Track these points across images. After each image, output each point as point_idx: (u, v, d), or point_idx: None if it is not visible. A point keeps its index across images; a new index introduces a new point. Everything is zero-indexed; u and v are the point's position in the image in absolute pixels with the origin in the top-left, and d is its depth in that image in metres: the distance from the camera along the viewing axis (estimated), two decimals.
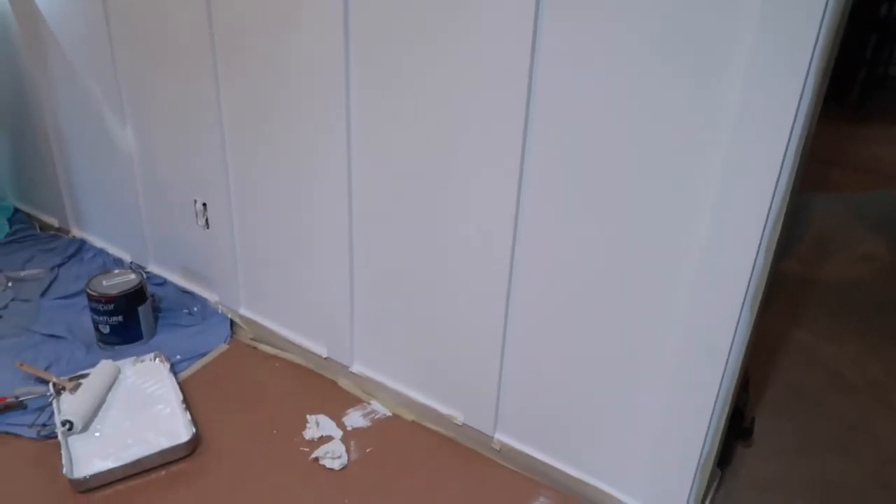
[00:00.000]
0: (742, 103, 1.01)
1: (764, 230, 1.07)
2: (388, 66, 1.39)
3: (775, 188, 1.03)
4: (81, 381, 1.71)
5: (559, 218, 1.28)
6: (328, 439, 1.62)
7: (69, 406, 1.61)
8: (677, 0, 1.03)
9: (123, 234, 2.25)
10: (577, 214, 1.26)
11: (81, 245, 2.38)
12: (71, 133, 2.23)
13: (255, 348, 1.95)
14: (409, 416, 1.70)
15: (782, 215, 1.08)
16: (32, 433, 1.60)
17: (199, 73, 1.72)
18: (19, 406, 1.67)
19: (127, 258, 2.28)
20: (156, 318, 2.00)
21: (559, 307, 1.35)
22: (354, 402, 1.76)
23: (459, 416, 1.61)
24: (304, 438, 1.63)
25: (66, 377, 1.73)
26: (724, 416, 1.29)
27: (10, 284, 2.18)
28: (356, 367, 1.78)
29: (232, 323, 2.01)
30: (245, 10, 1.57)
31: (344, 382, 1.81)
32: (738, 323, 1.15)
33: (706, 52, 1.03)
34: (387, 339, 1.69)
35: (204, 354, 1.90)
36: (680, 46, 1.05)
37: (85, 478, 1.45)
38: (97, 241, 2.38)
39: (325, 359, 1.82)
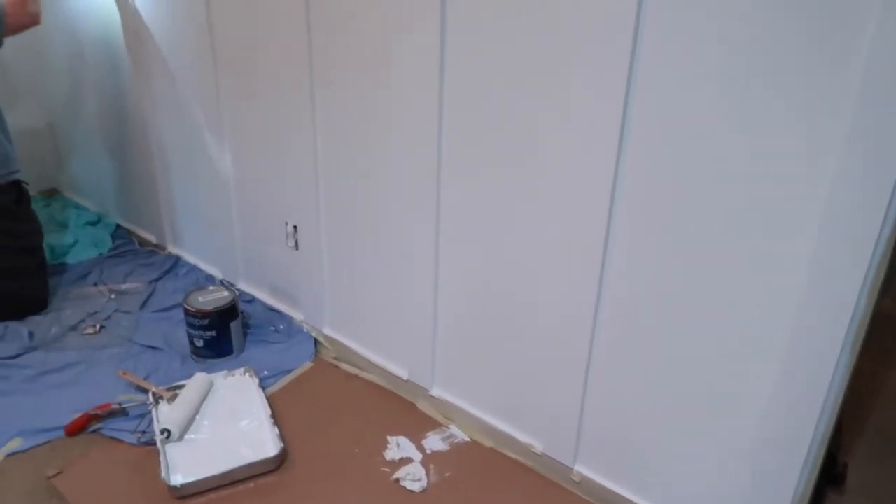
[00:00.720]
0: (851, 133, 1.00)
1: (869, 267, 1.04)
2: (481, 97, 1.43)
3: (882, 223, 1.01)
4: (178, 391, 1.80)
5: (650, 245, 1.28)
6: (408, 461, 1.65)
7: (167, 415, 1.70)
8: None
9: (216, 252, 2.37)
10: (671, 241, 1.26)
11: (177, 261, 2.52)
12: (173, 155, 2.37)
13: (337, 367, 2.01)
14: (487, 443, 1.72)
15: (889, 253, 1.06)
16: (133, 439, 1.70)
17: (297, 104, 1.81)
18: (122, 413, 1.78)
19: (218, 275, 2.40)
20: (245, 334, 2.09)
21: (647, 337, 1.35)
22: (433, 425, 1.78)
23: (538, 446, 1.62)
24: (384, 459, 1.66)
25: (164, 387, 1.83)
26: (818, 460, 1.25)
27: (112, 296, 2.33)
28: (436, 391, 1.81)
29: (316, 341, 2.08)
30: (344, 47, 1.65)
31: (423, 405, 1.84)
32: (837, 363, 1.12)
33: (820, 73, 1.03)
34: (468, 364, 1.72)
35: (290, 371, 1.97)
36: (793, 60, 1.05)
37: (181, 485, 1.53)
38: (191, 258, 2.51)
39: (406, 381, 1.86)
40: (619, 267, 1.34)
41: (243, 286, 2.33)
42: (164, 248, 2.60)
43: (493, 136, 1.44)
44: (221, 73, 2.03)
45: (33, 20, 2.04)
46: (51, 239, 2.56)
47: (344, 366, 2.01)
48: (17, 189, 2.16)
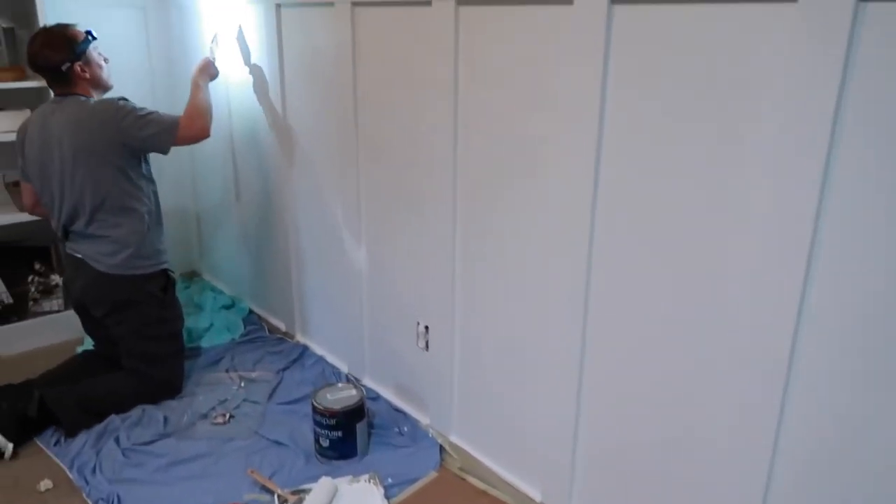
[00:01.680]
0: None
1: None
2: (643, 195, 1.34)
3: None
4: (303, 495, 1.75)
5: (845, 368, 1.11)
6: None
7: None
8: None
9: (344, 345, 2.37)
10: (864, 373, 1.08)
11: (304, 351, 2.54)
12: (308, 247, 2.43)
13: (464, 479, 1.90)
14: None
15: None
16: None
17: (439, 207, 1.80)
18: None
19: (344, 368, 2.38)
20: (369, 434, 2.03)
21: (836, 469, 1.16)
22: None
23: None
24: None
25: (289, 490, 1.79)
26: None
27: (242, 385, 2.35)
28: None
29: (441, 448, 1.98)
30: (491, 154, 1.63)
31: None
32: None
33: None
34: (612, 490, 1.56)
35: (414, 481, 1.88)
36: None
37: None
38: (318, 349, 2.52)
39: (540, 503, 1.72)
40: (808, 389, 1.17)
41: (369, 382, 2.29)
42: (292, 337, 2.63)
43: (658, 236, 1.34)
44: (363, 171, 2.06)
45: (202, 133, 2.18)
46: (188, 322, 2.66)
47: (471, 479, 1.89)
48: (164, 277, 2.26)
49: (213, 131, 2.20)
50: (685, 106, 1.24)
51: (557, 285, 1.55)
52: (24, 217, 2.52)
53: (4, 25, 2.45)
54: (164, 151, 2.15)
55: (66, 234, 2.17)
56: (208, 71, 2.33)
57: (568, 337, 1.54)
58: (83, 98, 2.10)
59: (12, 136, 2.42)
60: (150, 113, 2.10)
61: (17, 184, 2.60)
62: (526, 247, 1.61)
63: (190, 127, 2.14)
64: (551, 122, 1.48)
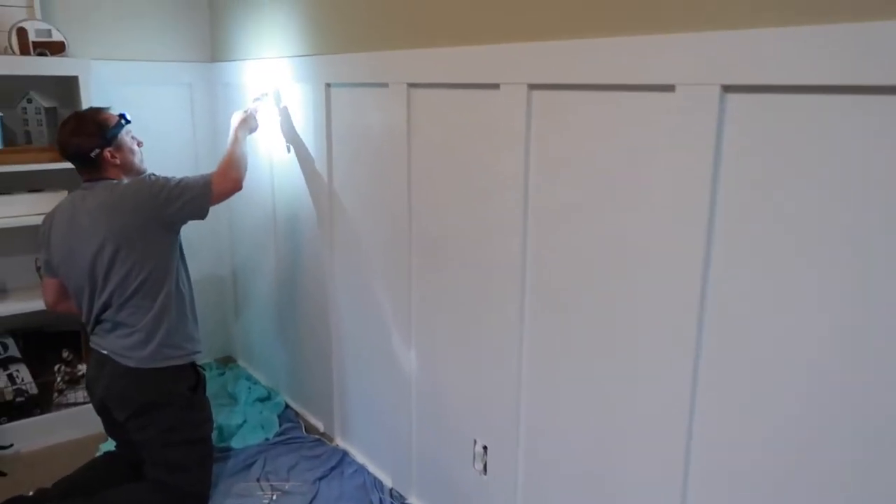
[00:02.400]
0: None
1: None
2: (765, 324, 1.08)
3: None
4: None
5: None
6: None
7: None
8: None
9: (388, 454, 2.11)
10: None
11: (343, 457, 2.28)
12: (351, 341, 2.21)
13: None
14: None
15: None
16: None
17: (504, 315, 1.57)
18: None
19: (388, 482, 2.11)
20: None
21: None
22: None
23: None
24: None
25: None
26: None
27: (274, 497, 2.11)
28: None
29: None
30: (563, 262, 1.40)
31: None
32: None
33: None
34: None
35: None
36: None
37: None
38: (359, 456, 2.27)
39: None
40: None
41: (414, 500, 2.02)
42: (331, 439, 2.39)
43: (789, 364, 1.07)
44: (416, 265, 1.85)
45: (235, 185, 2.05)
46: (220, 418, 2.44)
47: None
48: (194, 374, 2.06)
49: (256, 211, 2.04)
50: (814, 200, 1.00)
51: (651, 413, 1.28)
52: None
53: (46, 105, 2.36)
54: (203, 215, 2.00)
55: (94, 326, 2.00)
56: (248, 123, 2.22)
57: (664, 477, 1.27)
58: (114, 182, 1.97)
59: None
60: (181, 180, 1.96)
61: None
62: (611, 365, 1.36)
63: (223, 182, 2.01)
64: (645, 221, 1.25)
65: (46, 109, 2.36)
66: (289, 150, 2.34)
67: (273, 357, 2.74)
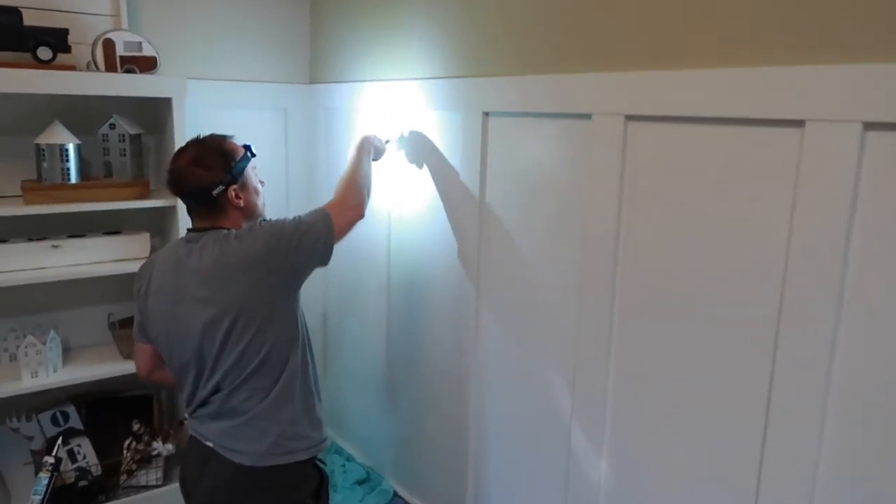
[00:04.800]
0: None
1: None
2: None
3: None
4: None
5: None
6: None
7: None
8: None
9: None
10: None
11: None
12: (501, 433, 1.78)
13: None
14: None
15: None
16: None
17: (789, 426, 1.13)
18: None
19: None
20: None
21: None
22: None
23: None
24: None
25: None
26: None
27: None
28: None
29: None
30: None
31: None
32: None
33: None
34: None
35: None
36: None
37: None
38: None
39: None
40: None
41: None
42: None
43: None
44: (620, 340, 1.42)
45: (357, 213, 1.67)
46: None
47: None
48: (318, 474, 1.64)
49: (364, 245, 1.63)
50: None
51: None
52: (128, 367, 1.98)
53: (132, 132, 1.97)
54: (328, 260, 1.60)
55: (196, 409, 1.58)
56: (372, 145, 1.84)
57: None
58: (225, 232, 1.56)
59: (129, 267, 1.93)
60: (299, 222, 1.56)
61: (124, 324, 2.08)
62: None
63: (342, 211, 1.63)
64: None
65: (132, 136, 1.97)
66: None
67: (375, 430, 2.31)
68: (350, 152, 1.81)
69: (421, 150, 1.91)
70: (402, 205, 2.02)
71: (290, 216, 1.58)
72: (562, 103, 1.48)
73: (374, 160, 1.86)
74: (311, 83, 2.45)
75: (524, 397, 1.69)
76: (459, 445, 1.90)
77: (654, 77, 1.29)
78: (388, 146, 1.91)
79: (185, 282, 1.51)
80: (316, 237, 1.55)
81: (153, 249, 2.05)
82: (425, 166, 1.90)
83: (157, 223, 2.10)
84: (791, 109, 1.09)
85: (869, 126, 1.00)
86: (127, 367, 2.00)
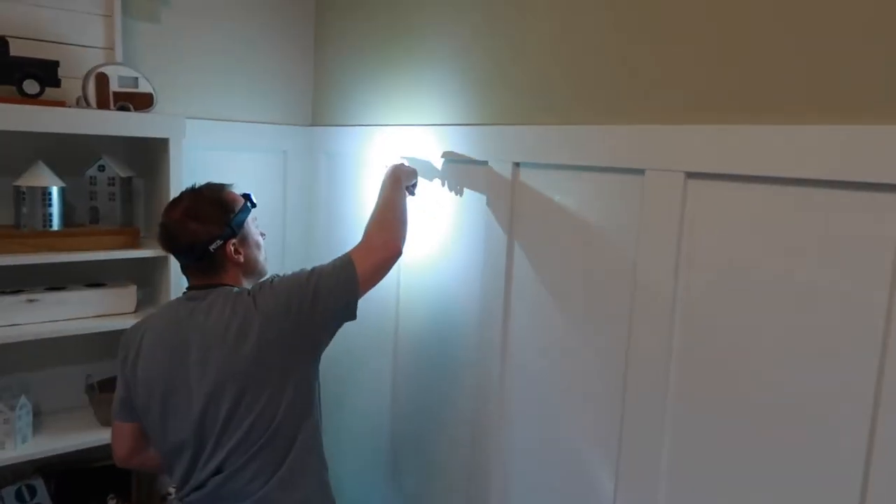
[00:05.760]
0: None
1: None
2: None
3: None
4: None
5: None
6: None
7: None
8: None
9: None
10: None
11: None
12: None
13: None
14: None
15: None
16: None
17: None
18: None
19: None
20: None
21: None
22: None
23: None
24: None
25: None
26: None
27: None
28: None
29: None
30: None
31: None
32: None
33: None
34: None
35: None
36: None
37: None
38: None
39: None
40: None
41: None
42: None
43: None
44: (676, 435, 1.28)
45: (390, 251, 1.43)
46: None
47: None
48: None
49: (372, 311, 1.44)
50: None
51: None
52: (106, 436, 1.77)
53: (122, 174, 1.80)
54: (354, 313, 1.40)
55: (191, 493, 1.38)
56: (404, 174, 1.63)
57: None
58: (232, 290, 1.40)
59: (112, 323, 1.74)
60: (316, 274, 1.37)
61: (105, 387, 1.87)
62: None
63: (368, 257, 1.40)
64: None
65: (122, 179, 1.79)
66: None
67: None
68: (381, 185, 1.61)
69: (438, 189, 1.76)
70: (415, 252, 1.86)
71: (310, 267, 1.42)
72: (623, 157, 1.35)
73: (410, 192, 1.67)
74: (312, 125, 2.31)
75: (558, 472, 1.53)
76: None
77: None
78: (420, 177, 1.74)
79: (187, 345, 1.34)
80: (335, 290, 1.37)
81: (139, 304, 1.86)
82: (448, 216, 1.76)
83: (146, 275, 1.91)
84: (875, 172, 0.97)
85: None
86: (105, 436, 1.78)
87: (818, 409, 1.05)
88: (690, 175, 1.22)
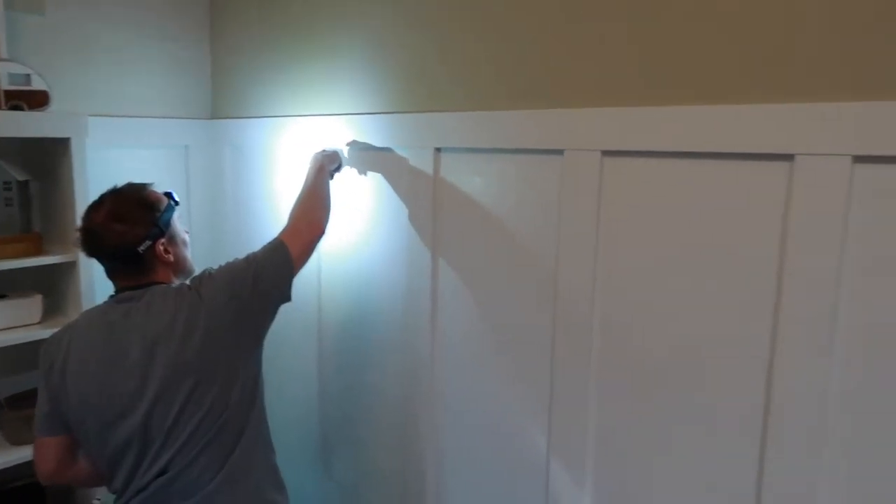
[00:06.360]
0: None
1: None
2: None
3: None
4: None
5: None
6: None
7: None
8: None
9: None
10: None
11: None
12: (460, 487, 1.70)
13: None
14: None
15: None
16: None
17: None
18: None
19: None
20: None
21: None
22: None
23: None
24: None
25: None
26: None
27: None
28: None
29: None
30: None
31: None
32: None
33: None
34: None
35: None
36: None
37: None
38: None
39: None
40: None
41: None
42: None
43: None
44: (598, 400, 1.41)
45: (315, 229, 1.53)
46: None
47: None
48: None
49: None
50: None
51: None
52: (18, 456, 1.68)
53: (19, 178, 1.69)
54: (289, 295, 1.45)
55: (133, 497, 1.35)
56: (326, 158, 1.70)
57: None
58: (174, 285, 1.39)
59: (18, 336, 1.65)
60: (252, 260, 1.41)
61: (14, 404, 1.76)
62: None
63: (297, 238, 1.48)
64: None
65: (19, 183, 1.68)
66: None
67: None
68: (307, 168, 1.67)
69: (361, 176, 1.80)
70: (335, 240, 1.89)
71: (243, 255, 1.44)
72: (544, 138, 1.45)
73: (334, 173, 1.74)
74: (214, 118, 2.26)
75: (492, 446, 1.63)
76: None
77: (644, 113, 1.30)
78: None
79: (125, 347, 1.31)
80: (273, 272, 1.41)
81: (45, 314, 1.76)
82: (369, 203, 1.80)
83: (50, 283, 1.81)
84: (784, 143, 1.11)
85: (858, 159, 1.05)
86: (16, 456, 1.69)
87: (721, 359, 1.20)
88: (606, 153, 1.34)
